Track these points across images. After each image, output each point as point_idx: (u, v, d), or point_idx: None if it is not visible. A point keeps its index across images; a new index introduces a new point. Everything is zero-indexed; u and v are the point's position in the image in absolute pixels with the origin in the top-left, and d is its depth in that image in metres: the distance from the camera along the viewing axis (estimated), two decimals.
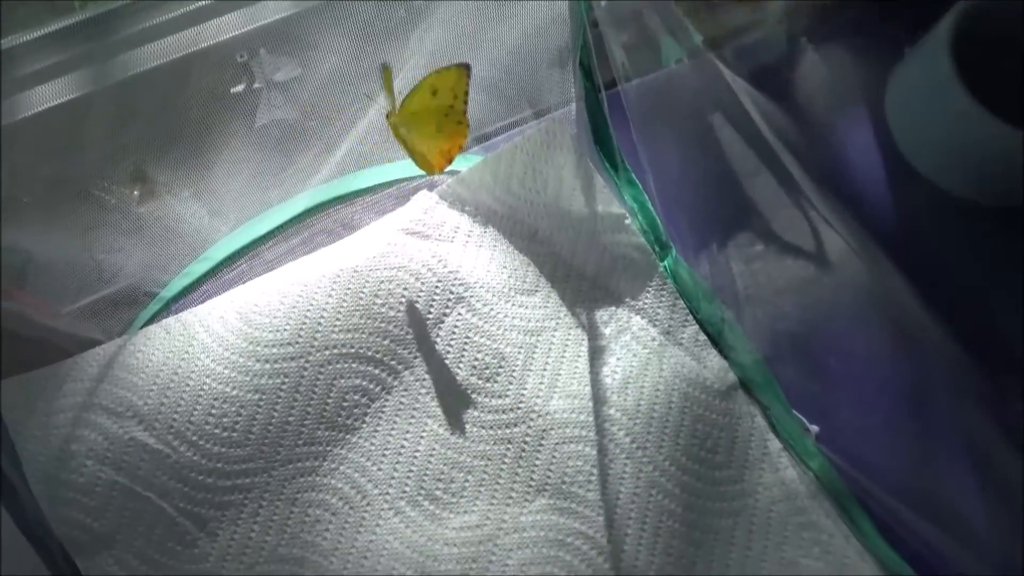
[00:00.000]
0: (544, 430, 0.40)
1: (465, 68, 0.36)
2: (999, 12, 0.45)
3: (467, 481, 0.40)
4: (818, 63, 0.50)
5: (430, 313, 0.42)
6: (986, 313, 0.43)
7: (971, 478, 0.39)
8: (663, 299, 0.44)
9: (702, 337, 0.44)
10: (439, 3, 0.37)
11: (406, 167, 0.46)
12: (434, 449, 0.40)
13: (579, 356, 0.42)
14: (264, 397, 0.39)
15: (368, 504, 0.39)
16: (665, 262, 0.45)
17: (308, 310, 0.41)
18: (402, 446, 0.40)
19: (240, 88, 0.42)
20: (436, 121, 0.37)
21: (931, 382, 0.41)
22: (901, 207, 0.48)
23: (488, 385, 0.41)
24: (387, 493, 0.39)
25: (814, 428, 0.42)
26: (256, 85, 0.42)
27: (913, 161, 0.48)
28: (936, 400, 0.41)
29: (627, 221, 0.45)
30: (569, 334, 0.43)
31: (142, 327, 0.41)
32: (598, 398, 0.41)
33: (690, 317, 0.44)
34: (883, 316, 0.41)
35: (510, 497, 0.40)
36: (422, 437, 0.41)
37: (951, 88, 0.43)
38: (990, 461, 0.39)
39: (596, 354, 0.42)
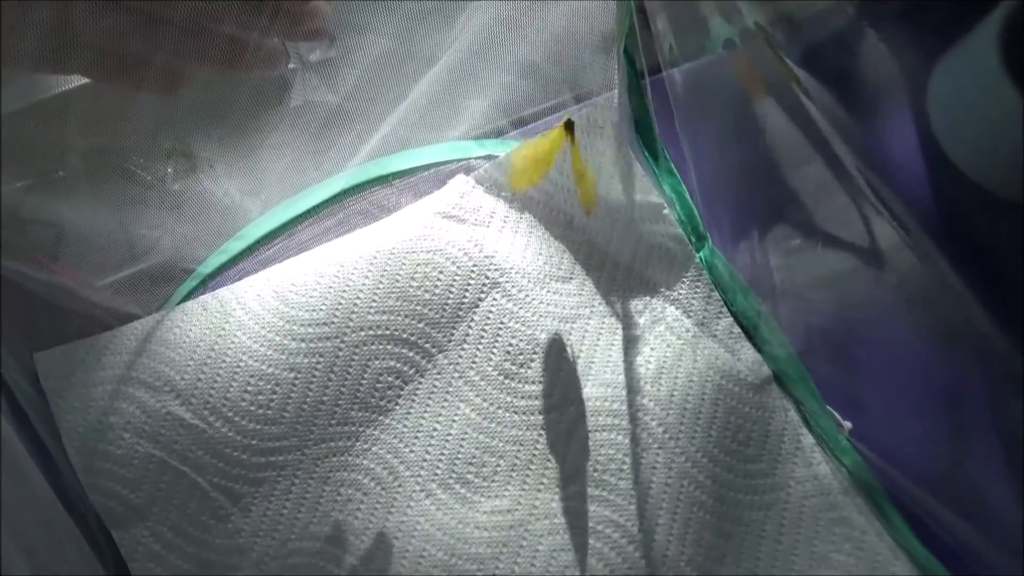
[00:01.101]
0: (577, 417, 0.40)
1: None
2: None
3: (499, 466, 0.40)
4: (869, 48, 0.49)
5: (465, 297, 0.42)
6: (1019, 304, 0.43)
7: (1008, 477, 0.38)
8: (698, 290, 0.44)
9: (736, 330, 0.43)
10: None
11: (443, 150, 0.46)
12: (466, 433, 0.40)
13: (612, 344, 0.42)
14: (299, 376, 0.39)
15: (400, 485, 0.39)
16: (701, 253, 0.44)
17: (344, 291, 0.41)
18: (435, 429, 0.40)
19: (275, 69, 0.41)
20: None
21: (969, 379, 0.41)
22: (939, 202, 0.47)
23: (521, 371, 0.41)
24: (419, 475, 0.40)
25: (847, 424, 0.41)
26: (291, 66, 0.42)
27: (954, 156, 0.47)
28: (974, 398, 0.41)
29: (665, 211, 0.44)
30: (603, 322, 0.43)
31: (179, 303, 0.41)
32: (631, 387, 0.41)
33: (725, 309, 0.44)
34: (924, 311, 0.41)
35: (542, 483, 0.40)
36: (454, 421, 0.41)
37: (998, 83, 0.42)
38: None
39: (630, 343, 0.42)
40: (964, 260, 0.38)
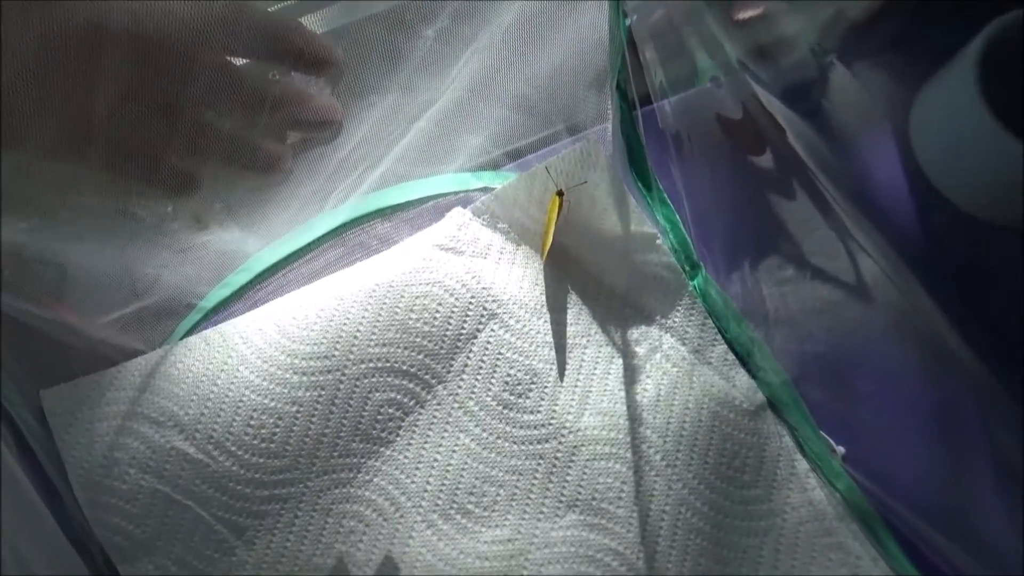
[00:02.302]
0: (575, 446, 0.41)
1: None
2: None
3: (499, 495, 0.40)
4: (848, 82, 0.50)
5: (464, 328, 0.43)
6: (1009, 334, 0.44)
7: (999, 502, 0.39)
8: (693, 318, 0.45)
9: (731, 357, 0.44)
10: (484, 30, 0.37)
11: (441, 183, 0.46)
12: (466, 463, 0.41)
13: (609, 373, 0.43)
14: (301, 409, 0.40)
15: (401, 516, 0.40)
16: (695, 282, 0.45)
17: (344, 324, 0.42)
18: (435, 459, 0.41)
19: None
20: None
21: (959, 405, 0.42)
22: (926, 229, 0.48)
23: (520, 401, 0.42)
24: (420, 506, 0.40)
25: (840, 449, 0.42)
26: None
27: (938, 183, 0.48)
28: (964, 423, 0.41)
29: (658, 240, 0.45)
30: (600, 351, 0.44)
31: (182, 338, 0.42)
32: (629, 416, 0.41)
33: (719, 336, 0.45)
34: (912, 339, 0.42)
35: (541, 512, 0.40)
36: (455, 451, 0.41)
37: (977, 111, 0.43)
38: (1018, 482, 0.39)
39: (627, 372, 0.43)
40: (949, 287, 0.39)
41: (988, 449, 0.39)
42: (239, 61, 0.32)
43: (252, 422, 0.40)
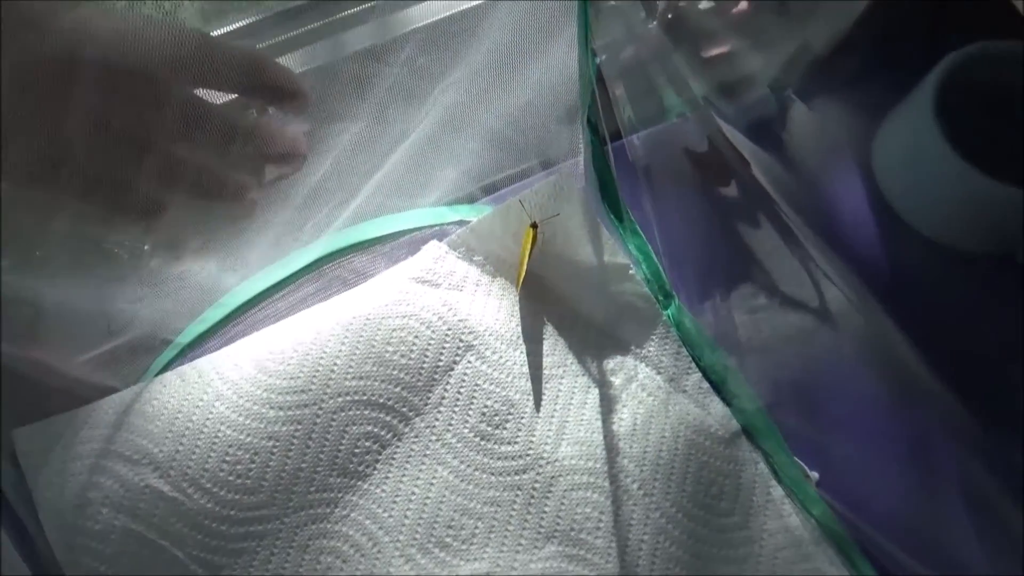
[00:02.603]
0: (553, 477, 0.41)
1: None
2: (983, 67, 0.47)
3: (477, 528, 0.40)
4: (810, 117, 0.52)
5: (440, 361, 0.43)
6: (979, 359, 0.45)
7: (971, 525, 0.40)
8: (667, 347, 0.45)
9: (705, 385, 0.45)
10: (456, 65, 0.38)
11: (417, 217, 0.47)
12: (444, 496, 0.41)
13: (586, 403, 0.43)
14: (278, 444, 0.40)
15: (379, 551, 0.40)
16: (668, 311, 0.46)
17: (321, 357, 0.42)
18: (413, 493, 0.41)
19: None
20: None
21: (929, 430, 0.42)
22: (891, 257, 0.49)
23: (497, 432, 0.42)
24: (398, 540, 0.40)
25: (814, 474, 0.42)
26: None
27: (901, 212, 0.50)
28: (935, 448, 0.42)
29: (631, 271, 0.46)
30: (576, 381, 0.44)
31: (158, 374, 0.42)
32: (607, 445, 0.42)
33: (693, 365, 0.45)
34: (881, 366, 0.43)
35: (520, 544, 0.40)
36: (432, 484, 0.41)
37: (935, 142, 0.45)
38: (989, 508, 0.40)
39: (604, 402, 0.43)
40: (914, 314, 0.40)
41: (957, 473, 0.40)
42: (210, 93, 0.32)
43: (228, 458, 0.39)
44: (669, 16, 0.50)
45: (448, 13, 0.41)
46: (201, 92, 0.32)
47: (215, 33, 0.43)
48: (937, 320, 0.45)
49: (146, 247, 0.41)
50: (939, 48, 0.47)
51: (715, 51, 0.48)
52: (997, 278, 0.48)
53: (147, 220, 0.33)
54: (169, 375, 0.42)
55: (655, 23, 0.49)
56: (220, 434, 0.40)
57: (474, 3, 0.41)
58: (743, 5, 0.53)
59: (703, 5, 0.51)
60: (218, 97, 0.32)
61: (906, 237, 0.49)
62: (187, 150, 0.31)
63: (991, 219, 0.47)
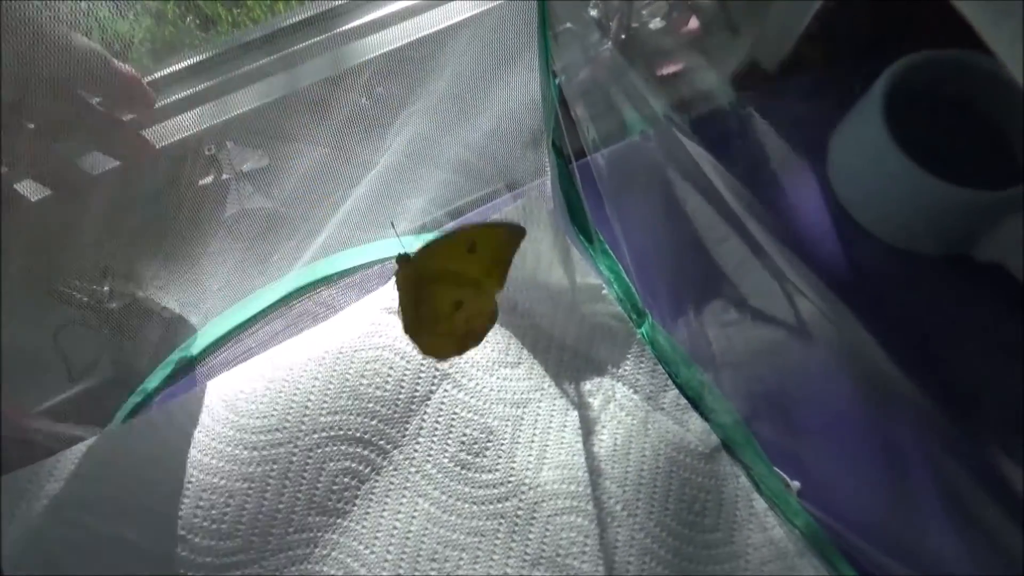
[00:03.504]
0: (536, 502, 0.41)
1: (518, 233, 0.31)
2: (930, 71, 0.48)
3: (461, 559, 0.40)
4: (767, 130, 0.53)
5: (416, 391, 0.42)
6: (947, 359, 0.45)
7: (950, 525, 0.40)
8: (643, 366, 0.45)
9: (683, 401, 0.45)
10: (416, 94, 0.38)
11: (385, 247, 0.47)
12: (427, 528, 0.40)
13: (565, 427, 0.43)
14: (253, 485, 0.39)
15: None
16: (642, 329, 0.46)
17: (294, 394, 0.41)
18: (394, 527, 0.40)
19: (209, 180, 0.42)
20: (460, 289, 0.32)
21: (903, 433, 0.43)
22: (853, 264, 0.50)
23: (477, 460, 0.42)
24: None
25: (795, 484, 0.43)
26: (224, 176, 0.42)
27: (859, 219, 0.51)
28: (910, 450, 0.43)
29: (604, 291, 0.46)
30: (555, 404, 0.44)
31: (125, 419, 0.41)
32: (589, 468, 0.41)
33: (670, 382, 0.45)
34: (852, 373, 0.43)
35: (505, 573, 0.40)
36: (414, 517, 0.40)
37: (885, 147, 0.46)
38: (966, 508, 0.40)
39: (583, 424, 0.43)
40: (878, 316, 0.40)
41: (933, 474, 0.40)
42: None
43: (201, 503, 0.38)
44: (623, 37, 0.51)
45: (405, 41, 0.41)
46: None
47: (167, 71, 0.42)
48: (903, 323, 0.45)
49: (105, 288, 0.40)
50: (885, 57, 0.49)
51: (669, 69, 0.49)
52: (956, 278, 0.49)
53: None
54: (136, 421, 0.40)
55: (609, 44, 0.50)
56: (192, 479, 0.39)
57: (431, 31, 0.41)
58: (693, 24, 0.54)
59: (654, 25, 0.52)
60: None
61: (866, 243, 0.50)
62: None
63: (945, 220, 0.48)
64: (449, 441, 0.42)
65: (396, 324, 0.43)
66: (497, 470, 0.41)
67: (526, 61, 0.40)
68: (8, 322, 0.38)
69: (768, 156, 0.52)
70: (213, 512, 0.38)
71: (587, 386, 0.44)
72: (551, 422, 0.43)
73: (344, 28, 0.41)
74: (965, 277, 0.49)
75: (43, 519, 0.37)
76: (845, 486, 0.43)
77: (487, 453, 0.42)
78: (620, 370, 0.45)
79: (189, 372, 0.43)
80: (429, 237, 0.47)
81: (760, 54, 0.54)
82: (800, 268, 0.40)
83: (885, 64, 0.48)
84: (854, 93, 0.50)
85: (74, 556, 0.37)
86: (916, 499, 0.42)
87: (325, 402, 0.41)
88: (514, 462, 0.42)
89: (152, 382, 0.42)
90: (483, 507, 0.41)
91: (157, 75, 0.43)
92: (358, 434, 0.41)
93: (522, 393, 0.44)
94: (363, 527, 0.40)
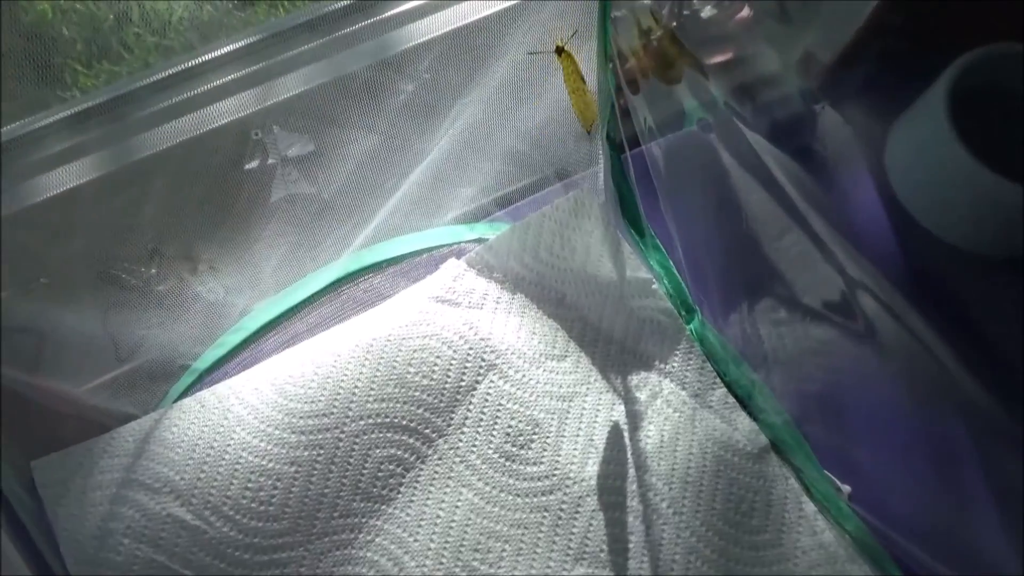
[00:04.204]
0: (580, 497, 0.40)
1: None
2: (996, 67, 0.46)
3: (504, 551, 0.40)
4: (829, 121, 0.51)
5: (462, 381, 0.42)
6: (1005, 363, 0.44)
7: (1004, 534, 0.39)
8: (691, 362, 0.45)
9: (731, 400, 0.44)
10: (473, 82, 0.38)
11: (435, 236, 0.47)
12: (470, 519, 0.40)
13: (611, 421, 0.43)
14: (300, 469, 0.39)
15: None
16: (691, 325, 0.45)
17: (342, 380, 0.41)
18: (438, 516, 0.40)
19: (255, 164, 0.42)
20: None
21: (959, 438, 0.42)
22: (910, 263, 0.49)
23: (522, 452, 0.41)
24: (424, 565, 0.39)
25: (846, 488, 0.42)
26: (270, 161, 0.42)
27: (916, 215, 0.49)
28: (965, 455, 0.41)
29: (654, 286, 0.45)
30: (601, 399, 0.43)
31: (176, 400, 0.41)
32: (634, 464, 0.41)
33: (718, 380, 0.44)
34: (907, 374, 0.42)
35: (548, 566, 0.39)
36: (457, 507, 0.40)
37: (949, 143, 0.44)
38: (1021, 513, 0.39)
39: (629, 419, 0.42)
40: (938, 316, 0.39)
41: (990, 480, 0.39)
42: None
43: (250, 485, 0.39)
44: (674, 24, 0.50)
45: (460, 24, 0.41)
46: None
47: (215, 54, 0.42)
48: (960, 325, 0.44)
49: (153, 271, 0.41)
50: (948, 51, 0.47)
51: (720, 58, 0.48)
52: (1014, 280, 0.47)
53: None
54: (188, 401, 0.41)
55: (661, 32, 0.49)
56: (241, 460, 0.39)
57: (488, 14, 0.41)
58: (745, 12, 0.52)
59: (705, 12, 0.51)
60: None
61: (925, 242, 0.48)
62: None
63: (1009, 221, 0.46)
64: (494, 432, 0.42)
65: (443, 313, 0.43)
66: (542, 463, 0.41)
67: (584, 50, 0.39)
68: (59, 303, 0.38)
69: (831, 148, 0.50)
70: (261, 494, 0.39)
71: (634, 381, 0.44)
72: (597, 416, 0.43)
73: (395, 12, 0.41)
74: (1020, 280, 0.47)
75: (96, 495, 0.38)
76: (898, 491, 0.41)
77: (532, 445, 0.42)
78: (668, 366, 0.44)
79: (239, 354, 0.43)
80: (481, 226, 0.47)
81: (816, 46, 0.53)
82: (863, 264, 0.39)
83: (944, 59, 0.46)
84: (915, 87, 0.49)
85: (125, 532, 0.37)
86: (972, 505, 0.40)
87: (372, 389, 0.41)
88: (559, 455, 0.41)
89: (203, 363, 0.43)
90: (527, 499, 0.41)
91: (207, 56, 0.43)
92: (404, 422, 0.41)
93: (568, 386, 0.43)
94: (407, 515, 0.40)
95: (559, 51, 0.38)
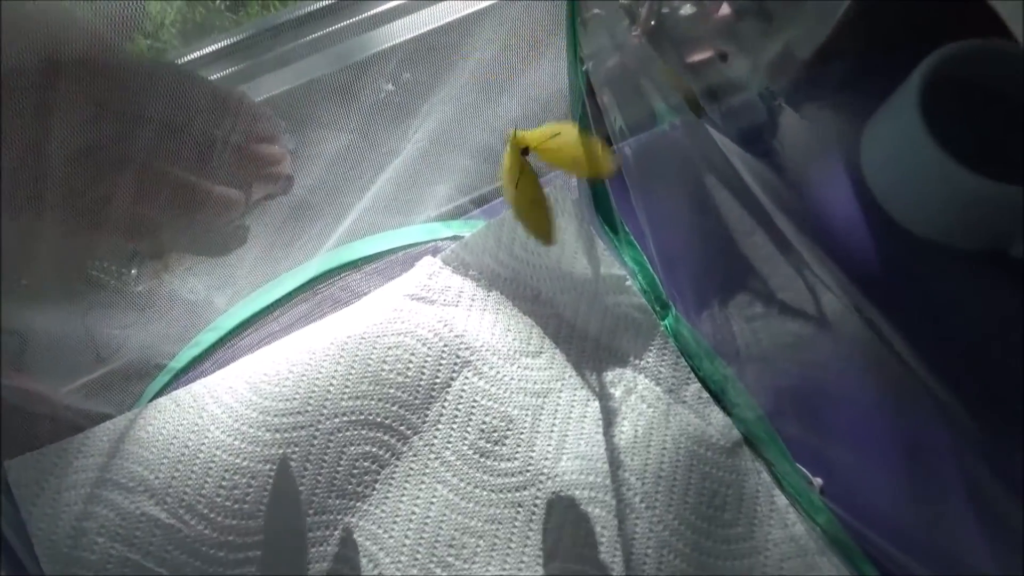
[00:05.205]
0: (554, 492, 0.41)
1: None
2: (966, 63, 0.47)
3: (478, 547, 0.40)
4: (798, 121, 0.52)
5: (437, 378, 0.43)
6: (976, 358, 0.44)
7: (974, 526, 0.39)
8: (665, 358, 0.45)
9: (705, 395, 0.44)
10: (444, 80, 0.38)
11: (410, 233, 0.47)
12: (445, 515, 0.40)
13: (585, 417, 0.43)
14: (275, 467, 0.39)
15: (380, 573, 0.39)
16: (666, 321, 0.46)
17: (317, 378, 0.41)
18: (413, 512, 0.40)
19: None
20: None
21: (929, 432, 0.42)
22: (884, 258, 0.49)
23: (497, 448, 0.42)
24: (399, 561, 0.39)
25: (818, 481, 0.42)
26: None
27: (891, 212, 0.49)
28: (936, 449, 0.42)
29: (628, 282, 0.46)
30: (575, 395, 0.44)
31: (152, 399, 0.41)
32: (608, 459, 0.41)
33: (692, 375, 0.45)
34: (879, 370, 0.42)
35: (522, 562, 0.40)
36: (432, 503, 0.41)
37: (920, 139, 0.45)
38: (991, 508, 0.39)
39: (603, 415, 0.43)
40: (908, 314, 0.39)
41: (959, 474, 0.39)
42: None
43: (224, 483, 0.39)
44: (652, 23, 0.50)
45: (433, 27, 0.41)
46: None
47: (197, 54, 0.43)
48: (933, 319, 0.44)
49: (132, 271, 0.41)
50: (921, 49, 0.47)
51: (698, 57, 0.48)
52: (989, 274, 0.48)
53: (136, 235, 0.32)
54: (163, 400, 0.41)
55: (638, 30, 0.49)
56: (216, 459, 0.39)
57: (459, 16, 0.41)
58: (725, 10, 0.52)
59: (685, 11, 0.51)
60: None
61: (897, 237, 0.49)
62: (167, 164, 0.31)
63: (979, 215, 0.47)
64: (469, 429, 0.42)
65: (419, 310, 0.44)
66: (516, 459, 0.41)
67: (554, 47, 0.39)
68: (40, 304, 0.38)
69: (800, 148, 0.51)
70: (236, 492, 0.39)
71: (608, 377, 0.44)
72: (571, 412, 0.43)
73: (370, 13, 0.41)
74: (999, 274, 0.48)
75: (70, 495, 0.38)
76: (869, 485, 0.42)
77: (506, 442, 0.42)
78: (642, 362, 0.45)
79: (215, 353, 0.43)
80: (456, 224, 0.48)
81: (794, 42, 0.53)
82: (827, 263, 0.39)
83: (922, 55, 0.47)
84: (889, 84, 0.49)
85: (100, 531, 0.37)
86: (941, 500, 0.41)
87: (347, 387, 0.41)
88: (533, 451, 0.42)
89: (179, 362, 0.43)
90: (501, 495, 0.41)
91: (188, 57, 0.43)
92: (379, 419, 0.41)
93: (543, 383, 0.43)
94: (382, 512, 0.40)
95: (524, 151, 0.32)
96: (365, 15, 0.43)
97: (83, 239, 0.32)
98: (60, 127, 0.28)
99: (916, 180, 0.48)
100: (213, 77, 0.42)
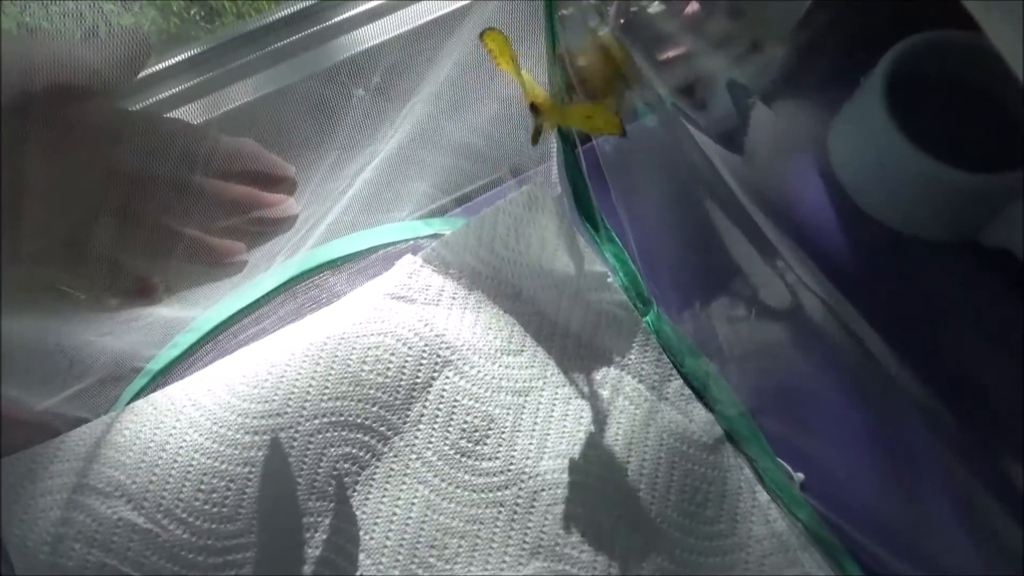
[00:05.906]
0: (535, 491, 0.41)
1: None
2: (930, 54, 0.47)
3: (460, 547, 0.40)
4: (771, 119, 0.52)
5: (418, 377, 0.42)
6: (954, 350, 0.44)
7: (955, 523, 0.39)
8: (647, 355, 0.45)
9: (687, 391, 0.44)
10: (423, 82, 0.37)
11: (390, 232, 0.46)
12: (426, 515, 0.40)
13: (567, 415, 0.43)
14: (254, 470, 0.39)
15: (361, 575, 0.39)
16: (647, 318, 0.45)
17: (296, 379, 0.41)
18: (394, 513, 0.40)
19: None
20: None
21: (909, 429, 0.42)
22: (858, 252, 0.49)
23: (478, 448, 0.42)
24: (380, 563, 0.39)
25: (799, 476, 0.42)
26: None
27: (860, 202, 0.49)
28: (916, 446, 0.42)
29: (609, 279, 0.46)
30: (557, 393, 0.43)
31: (129, 402, 0.41)
32: (590, 457, 0.41)
33: (674, 372, 0.45)
34: (859, 367, 0.42)
35: (504, 561, 0.40)
36: (413, 503, 0.41)
37: (886, 130, 0.45)
38: (972, 505, 0.39)
39: (586, 413, 0.43)
40: (885, 307, 0.39)
41: (939, 470, 0.39)
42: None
43: (203, 487, 0.38)
44: (622, 21, 0.50)
45: (407, 28, 0.41)
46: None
47: (169, 63, 0.42)
48: (907, 312, 0.44)
49: (113, 302, 0.40)
50: (887, 42, 0.47)
51: (669, 54, 0.48)
52: (961, 264, 0.48)
53: (138, 297, 0.31)
54: (140, 403, 0.41)
55: (608, 28, 0.49)
56: (194, 462, 0.39)
57: (433, 17, 0.40)
58: (694, 6, 0.52)
59: (653, 9, 0.51)
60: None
61: (869, 229, 0.48)
62: (177, 221, 0.30)
63: (948, 205, 0.47)
64: (450, 428, 0.42)
65: (399, 309, 0.43)
66: (497, 458, 0.41)
67: (531, 46, 0.39)
68: (12, 316, 0.38)
69: (772, 144, 0.51)
70: (214, 495, 0.38)
71: (590, 374, 0.44)
72: (553, 411, 0.43)
73: (341, 17, 0.40)
74: (970, 263, 0.48)
75: (46, 500, 0.38)
76: (850, 482, 0.42)
77: (487, 441, 0.42)
78: (624, 359, 0.45)
79: (193, 355, 0.43)
80: (436, 222, 0.47)
81: (762, 38, 0.53)
82: (803, 260, 0.39)
83: (887, 47, 0.47)
84: (856, 78, 0.49)
85: (76, 537, 0.37)
86: (922, 496, 0.41)
87: (326, 388, 0.41)
88: (514, 450, 0.41)
89: (156, 365, 0.43)
90: (482, 495, 0.41)
91: (156, 68, 0.42)
92: (359, 420, 0.41)
93: (524, 381, 0.43)
94: (363, 513, 0.40)
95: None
96: (333, 21, 0.42)
97: (67, 280, 0.31)
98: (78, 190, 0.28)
99: (884, 171, 0.48)
100: (181, 88, 0.42)
